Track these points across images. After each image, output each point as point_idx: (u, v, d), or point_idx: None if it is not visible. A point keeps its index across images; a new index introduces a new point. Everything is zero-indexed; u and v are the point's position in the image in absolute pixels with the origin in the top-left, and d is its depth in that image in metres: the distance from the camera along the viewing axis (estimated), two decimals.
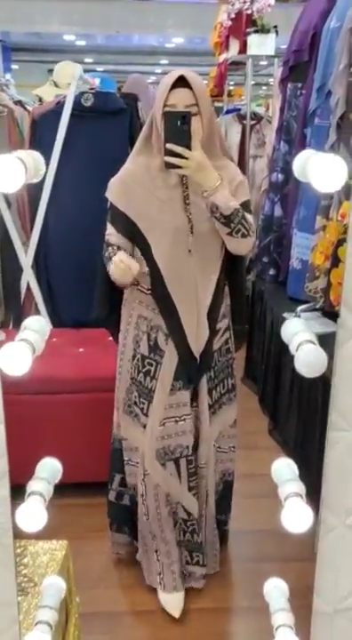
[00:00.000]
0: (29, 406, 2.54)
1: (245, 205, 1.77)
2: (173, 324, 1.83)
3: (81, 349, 2.80)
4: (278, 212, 3.65)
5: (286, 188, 3.55)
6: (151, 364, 1.87)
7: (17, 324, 3.09)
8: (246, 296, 2.18)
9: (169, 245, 1.77)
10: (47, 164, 2.90)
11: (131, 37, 10.12)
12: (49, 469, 1.06)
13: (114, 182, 1.82)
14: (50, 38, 10.03)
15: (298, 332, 0.93)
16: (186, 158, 1.60)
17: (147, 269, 1.82)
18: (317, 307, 3.00)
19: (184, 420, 1.87)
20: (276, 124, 3.66)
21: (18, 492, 1.03)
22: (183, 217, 1.76)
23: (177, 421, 1.87)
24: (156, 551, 1.99)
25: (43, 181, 2.91)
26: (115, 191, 1.82)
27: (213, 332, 1.89)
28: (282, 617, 1.03)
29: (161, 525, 1.95)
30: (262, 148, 4.36)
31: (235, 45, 4.45)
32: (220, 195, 1.66)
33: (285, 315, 3.11)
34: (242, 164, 4.30)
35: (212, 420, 1.95)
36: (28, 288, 3.06)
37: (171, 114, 1.63)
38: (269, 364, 3.36)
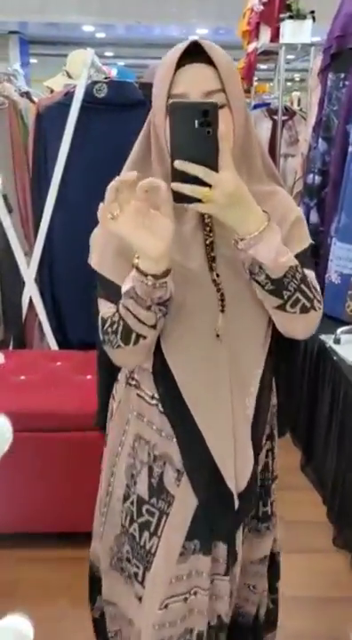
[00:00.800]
0: (27, 445, 2.20)
1: (304, 257, 1.12)
2: (196, 454, 1.17)
3: (88, 376, 2.45)
4: (314, 218, 3.35)
5: (324, 192, 3.25)
6: (152, 514, 1.23)
7: (18, 344, 2.79)
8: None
9: (186, 330, 1.12)
10: (53, 163, 2.57)
11: (152, 29, 9.82)
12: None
13: (94, 239, 1.16)
14: (68, 30, 9.77)
15: None
16: (209, 185, 0.93)
17: (149, 364, 1.18)
18: None
19: (195, 593, 1.24)
20: (312, 119, 3.34)
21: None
22: (208, 283, 1.11)
23: (186, 599, 1.24)
24: None
25: (48, 184, 2.60)
26: (97, 252, 1.15)
27: (257, 456, 1.23)
28: None
29: None
30: (295, 146, 4.08)
31: (266, 33, 4.15)
32: (265, 245, 1.00)
33: (323, 337, 2.77)
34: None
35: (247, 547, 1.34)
36: (31, 303, 2.77)
37: (181, 107, 0.95)
38: (303, 389, 3.02)
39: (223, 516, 1.19)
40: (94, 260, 1.15)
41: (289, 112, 4.19)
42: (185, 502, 1.19)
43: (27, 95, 3.10)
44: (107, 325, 1.10)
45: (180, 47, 1.01)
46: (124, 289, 1.05)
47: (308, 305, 1.08)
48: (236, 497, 1.17)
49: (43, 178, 2.67)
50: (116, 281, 1.09)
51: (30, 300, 2.76)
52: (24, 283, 2.74)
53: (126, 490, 1.26)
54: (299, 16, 3.76)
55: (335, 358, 2.57)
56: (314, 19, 3.78)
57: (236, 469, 1.16)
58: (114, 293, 1.09)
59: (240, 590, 1.38)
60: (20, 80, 3.28)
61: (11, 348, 2.79)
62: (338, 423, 2.53)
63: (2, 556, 2.16)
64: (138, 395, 1.21)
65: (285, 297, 1.05)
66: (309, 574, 2.20)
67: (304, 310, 1.08)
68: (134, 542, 1.26)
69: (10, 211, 2.64)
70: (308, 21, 3.75)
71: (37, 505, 2.24)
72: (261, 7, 4.06)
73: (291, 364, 1.33)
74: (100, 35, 10.30)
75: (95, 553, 1.40)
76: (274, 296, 1.06)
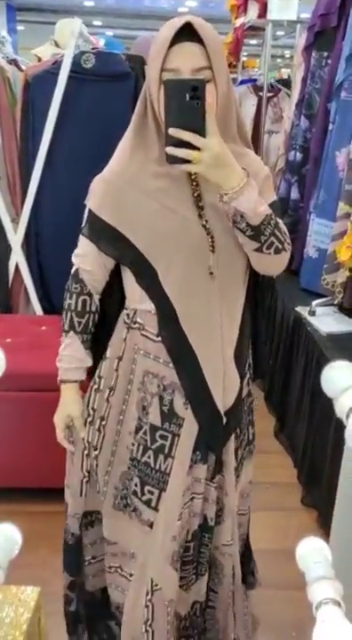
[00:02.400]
0: (14, 404, 2.30)
1: (274, 208, 1.26)
2: (194, 379, 1.32)
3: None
4: (295, 194, 3.40)
5: (305, 169, 3.30)
6: (165, 438, 1.36)
7: (3, 309, 2.84)
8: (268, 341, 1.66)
9: (183, 269, 1.26)
10: (41, 132, 2.61)
11: (142, 0, 9.70)
12: (2, 545, 0.80)
13: (96, 184, 1.30)
14: None
15: (349, 387, 0.66)
16: (197, 148, 1.09)
17: (152, 307, 1.31)
18: (335, 302, 2.76)
19: (193, 499, 1.40)
20: (296, 96, 3.38)
21: None
22: (199, 228, 1.25)
23: (189, 506, 1.40)
24: None
25: (36, 151, 2.64)
26: (98, 195, 1.29)
27: (242, 377, 1.40)
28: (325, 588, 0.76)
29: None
30: (279, 123, 4.09)
31: (254, 8, 4.13)
32: (245, 198, 1.15)
33: (299, 309, 2.86)
34: (256, 141, 4.01)
35: (237, 483, 1.49)
36: (17, 269, 2.80)
37: (174, 83, 1.10)
38: (278, 360, 3.11)
39: (215, 429, 1.35)
40: (94, 204, 1.30)
41: (274, 89, 4.19)
42: (192, 423, 1.34)
43: (14, 63, 3.11)
44: (74, 286, 1.36)
45: (175, 26, 1.13)
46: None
47: (280, 247, 1.24)
48: (222, 413, 1.35)
49: (30, 145, 2.68)
50: (114, 225, 1.27)
51: (17, 267, 2.79)
52: (11, 249, 2.77)
53: (138, 422, 1.37)
54: None
55: (309, 329, 2.65)
56: None
57: (224, 389, 1.34)
58: (100, 236, 1.30)
59: (244, 516, 1.60)
60: (7, 47, 3.27)
61: None
62: (310, 391, 2.63)
63: None
64: (142, 335, 1.34)
65: (262, 240, 1.22)
66: (280, 530, 2.33)
67: (277, 251, 1.25)
68: (149, 469, 1.37)
69: None
70: None
71: (21, 461, 2.34)
72: None
73: (259, 306, 1.50)
74: (89, 3, 10.13)
75: (74, 510, 1.50)
76: (253, 240, 1.22)
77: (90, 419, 1.43)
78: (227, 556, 1.51)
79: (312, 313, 2.75)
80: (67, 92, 2.56)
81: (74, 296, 1.36)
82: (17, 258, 2.75)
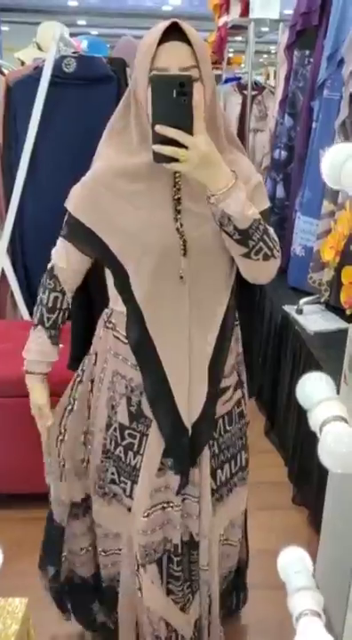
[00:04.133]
0: (4, 410, 2.29)
1: (265, 215, 1.25)
2: (155, 382, 1.32)
3: (61, 345, 2.53)
4: (280, 192, 3.41)
5: (289, 167, 3.31)
6: (134, 437, 1.39)
7: None
8: (258, 349, 1.63)
9: (150, 271, 1.25)
10: (24, 136, 2.60)
11: None
12: None
13: (75, 187, 1.32)
14: None
15: (322, 400, 0.66)
16: (185, 147, 1.07)
17: (124, 308, 1.33)
18: (322, 300, 2.77)
19: (172, 507, 1.40)
20: (279, 95, 3.38)
21: None
22: (172, 231, 1.24)
23: (164, 508, 1.41)
24: None
25: (19, 156, 2.63)
26: (77, 198, 1.31)
27: (216, 391, 1.38)
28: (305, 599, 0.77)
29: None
30: (264, 121, 4.10)
31: (236, 7, 4.13)
32: (233, 200, 1.13)
33: (286, 308, 2.87)
34: (241, 139, 4.00)
35: (218, 508, 1.46)
36: (3, 275, 2.79)
37: (161, 79, 1.09)
38: (267, 358, 3.12)
39: (179, 439, 1.34)
40: (72, 206, 1.32)
41: (259, 87, 4.20)
42: (159, 429, 1.35)
43: None
44: (48, 282, 1.38)
45: (162, 26, 1.13)
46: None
47: (269, 253, 1.22)
48: (188, 425, 1.33)
49: (13, 151, 2.67)
50: (89, 225, 1.28)
51: (2, 272, 2.78)
52: None
53: (108, 419, 1.41)
54: None
55: (297, 328, 2.66)
56: None
57: (189, 399, 1.32)
58: (77, 236, 1.32)
59: (234, 548, 1.59)
60: None
61: None
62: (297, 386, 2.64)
63: None
64: (114, 336, 1.36)
65: (250, 246, 1.19)
66: (270, 529, 2.34)
67: (266, 258, 1.22)
68: (121, 462, 1.41)
69: None
70: None
71: (11, 467, 2.33)
72: None
73: (251, 312, 1.49)
74: (73, 3, 10.10)
75: (57, 496, 1.54)
76: (240, 245, 1.19)
77: (69, 407, 1.47)
78: (203, 583, 1.50)
79: (299, 311, 2.76)
80: (48, 97, 2.55)
81: (47, 291, 1.39)
82: (2, 263, 2.74)
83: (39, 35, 3.40)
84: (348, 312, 2.06)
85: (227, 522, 1.52)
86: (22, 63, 3.45)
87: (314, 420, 0.66)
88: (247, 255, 1.21)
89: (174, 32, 1.13)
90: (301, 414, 2.57)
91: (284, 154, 3.31)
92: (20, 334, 2.71)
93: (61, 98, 2.59)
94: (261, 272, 1.28)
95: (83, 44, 3.40)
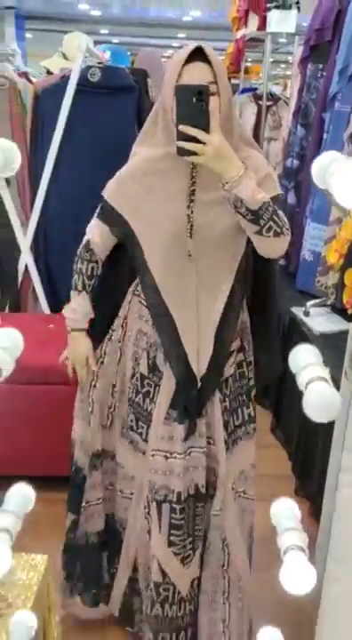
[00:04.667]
0: (22, 397, 2.43)
1: (276, 201, 1.45)
2: (171, 341, 1.56)
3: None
4: (292, 199, 3.52)
5: (301, 175, 3.42)
6: (150, 386, 1.63)
7: (14, 308, 2.99)
8: (277, 327, 1.79)
9: (164, 249, 1.52)
10: (49, 141, 2.76)
11: (147, 9, 9.81)
12: (18, 500, 0.94)
13: (112, 180, 1.60)
14: (64, 7, 9.73)
15: (308, 364, 0.80)
16: (203, 143, 1.31)
17: (145, 278, 1.60)
18: (328, 303, 2.89)
19: (175, 457, 1.58)
20: (293, 106, 3.50)
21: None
22: (183, 217, 1.50)
23: (166, 457, 1.59)
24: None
25: (44, 160, 2.78)
26: (111, 187, 1.60)
27: (224, 353, 1.60)
28: (292, 537, 0.89)
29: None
30: (278, 130, 4.22)
31: (254, 21, 4.26)
32: (244, 186, 1.35)
33: (294, 309, 2.99)
34: None
35: (228, 457, 1.63)
36: (26, 270, 2.94)
37: (184, 88, 1.34)
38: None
39: (190, 388, 1.56)
40: (107, 194, 1.60)
41: (274, 98, 4.33)
42: (170, 378, 1.59)
43: (25, 75, 3.26)
44: (85, 254, 1.66)
45: (188, 50, 1.38)
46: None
47: (278, 230, 1.42)
48: (198, 377, 1.56)
49: (39, 154, 2.81)
50: (118, 209, 1.57)
51: (26, 268, 2.92)
52: (20, 251, 2.91)
53: (133, 370, 1.67)
54: (285, 6, 3.91)
55: (304, 329, 2.77)
56: (298, 9, 3.92)
57: (199, 357, 1.56)
58: (109, 217, 1.60)
59: (251, 501, 1.72)
60: (17, 60, 3.43)
61: (7, 311, 2.97)
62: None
63: None
64: (139, 301, 1.64)
65: (261, 224, 1.40)
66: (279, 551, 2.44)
67: (276, 235, 1.42)
68: (139, 408, 1.66)
69: (8, 184, 2.81)
70: (293, 11, 3.90)
71: (32, 449, 2.47)
72: None
73: (265, 292, 1.70)
74: (96, 13, 10.28)
75: (80, 439, 1.78)
76: (253, 224, 1.41)
77: (101, 359, 1.74)
78: (214, 528, 1.64)
79: (306, 313, 2.88)
80: (74, 105, 2.70)
81: (85, 262, 1.67)
82: (26, 260, 2.89)
83: (65, 44, 3.54)
84: (349, 312, 2.18)
85: (237, 472, 1.66)
86: (48, 71, 3.60)
87: (300, 381, 0.79)
88: (259, 232, 1.42)
89: (198, 54, 1.38)
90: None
91: (295, 162, 3.42)
92: (42, 327, 2.89)
93: (86, 105, 2.74)
94: (273, 247, 1.49)
95: (106, 55, 3.55)
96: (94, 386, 1.74)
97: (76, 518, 1.79)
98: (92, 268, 1.67)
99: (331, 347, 2.67)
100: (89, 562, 1.82)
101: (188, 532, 1.61)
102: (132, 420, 1.69)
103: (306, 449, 2.67)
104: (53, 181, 2.82)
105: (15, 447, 2.45)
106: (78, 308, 1.70)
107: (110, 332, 1.73)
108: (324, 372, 0.79)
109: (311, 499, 2.58)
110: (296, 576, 0.82)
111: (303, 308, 2.90)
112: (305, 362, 0.81)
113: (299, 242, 3.30)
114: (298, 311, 2.92)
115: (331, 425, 0.96)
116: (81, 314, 1.70)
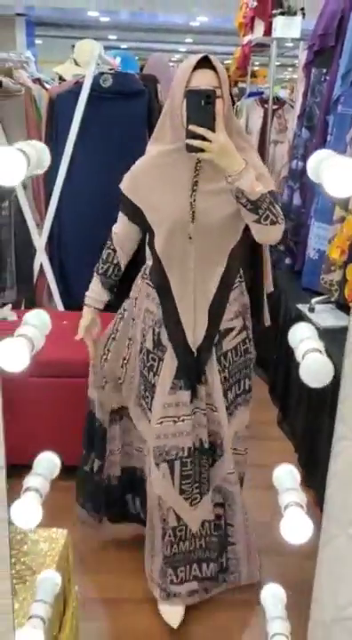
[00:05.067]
0: (37, 389, 2.54)
1: (272, 195, 1.65)
2: (170, 315, 1.79)
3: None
4: (297, 200, 3.60)
5: (305, 177, 3.45)
6: (154, 360, 1.85)
7: (29, 305, 3.10)
8: (265, 296, 2.03)
9: (169, 232, 1.72)
10: (63, 144, 2.87)
11: (155, 15, 9.92)
12: (46, 464, 1.04)
13: (126, 175, 1.82)
14: (73, 14, 9.87)
15: (304, 338, 0.90)
16: (209, 141, 1.50)
17: (152, 261, 1.82)
18: (332, 299, 2.98)
19: (183, 420, 1.81)
20: (298, 109, 3.59)
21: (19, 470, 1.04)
22: (186, 204, 1.69)
23: (175, 422, 1.81)
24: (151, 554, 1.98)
25: (59, 163, 2.90)
26: (126, 181, 1.81)
27: (217, 327, 1.82)
28: (278, 625, 1.02)
29: (152, 527, 1.93)
30: (284, 133, 4.30)
31: (260, 27, 4.34)
32: (245, 179, 1.55)
33: (299, 306, 3.08)
34: (262, 150, 4.24)
35: (229, 421, 1.88)
36: (41, 269, 3.04)
37: (194, 92, 1.52)
38: (281, 355, 3.33)
39: (188, 358, 1.81)
40: (123, 187, 1.80)
41: (279, 101, 4.42)
42: (173, 352, 1.81)
43: (39, 81, 3.39)
44: (107, 246, 1.89)
45: (196, 57, 1.57)
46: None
47: (274, 219, 1.62)
48: (194, 348, 1.79)
49: (53, 158, 2.94)
50: (133, 200, 1.78)
51: (41, 267, 3.04)
52: (35, 251, 3.03)
53: (141, 345, 1.88)
54: (290, 12, 3.97)
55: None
56: (303, 15, 4.00)
57: (194, 330, 1.79)
58: (127, 207, 1.81)
59: (242, 456, 1.99)
60: (31, 67, 3.55)
61: (22, 308, 3.09)
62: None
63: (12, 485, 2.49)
64: (146, 283, 1.86)
65: (260, 213, 1.60)
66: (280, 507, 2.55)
67: (273, 223, 1.62)
68: (146, 380, 1.88)
69: (24, 187, 2.92)
70: (298, 17, 3.95)
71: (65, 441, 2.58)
72: (255, 3, 4.26)
73: (257, 271, 1.94)
74: (105, 19, 10.41)
75: (97, 399, 2.02)
76: (252, 213, 1.60)
77: (113, 335, 1.97)
78: (233, 484, 1.90)
79: (311, 309, 2.97)
80: (87, 109, 2.82)
81: (105, 248, 1.89)
82: (41, 259, 3.00)
83: (76, 51, 3.66)
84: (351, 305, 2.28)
85: (233, 433, 1.90)
86: (60, 77, 3.72)
87: (298, 352, 0.90)
88: (258, 221, 1.62)
89: (205, 61, 1.57)
90: (311, 401, 2.80)
91: (300, 164, 3.50)
92: (56, 323, 2.97)
93: (98, 109, 2.86)
94: (270, 234, 1.68)
95: (117, 61, 3.67)
96: (105, 359, 1.97)
97: (101, 464, 2.04)
98: (108, 255, 1.89)
99: (335, 340, 2.76)
100: (110, 496, 2.11)
101: (195, 479, 1.84)
102: (141, 390, 1.91)
103: (312, 440, 2.76)
104: (67, 183, 2.93)
105: (34, 437, 2.55)
106: (93, 288, 1.92)
107: (122, 311, 1.96)
108: (319, 345, 0.89)
109: (316, 488, 2.67)
110: (295, 527, 0.93)
111: (308, 305, 2.99)
112: (302, 336, 0.92)
113: (304, 241, 3.39)
114: (303, 307, 3.01)
115: (333, 414, 1.05)
116: (92, 292, 1.92)
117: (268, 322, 2.03)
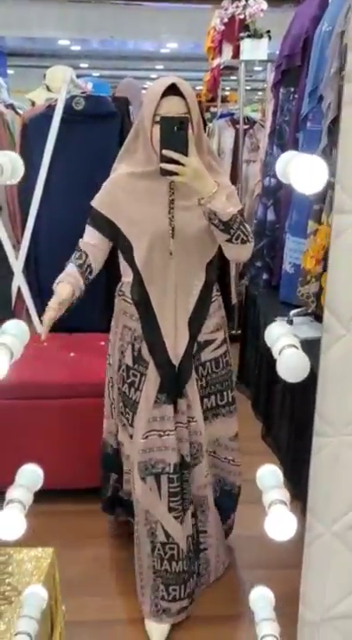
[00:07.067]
0: (19, 411, 2.52)
1: (241, 214, 1.73)
2: (151, 330, 1.80)
3: (72, 354, 2.78)
4: (271, 216, 3.64)
5: (279, 193, 3.54)
6: (135, 375, 1.85)
7: None
8: (233, 304, 2.16)
9: (149, 247, 1.75)
10: (38, 167, 2.89)
11: (125, 43, 10.10)
12: (29, 476, 1.04)
13: (100, 190, 1.84)
14: (45, 43, 10.00)
15: (280, 335, 0.92)
16: (182, 164, 1.56)
17: (130, 278, 1.82)
18: (309, 311, 3.01)
19: (168, 434, 1.83)
20: (268, 128, 3.66)
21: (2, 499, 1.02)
22: (165, 220, 1.74)
23: (161, 436, 1.83)
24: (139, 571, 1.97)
25: (34, 185, 2.92)
26: (99, 197, 1.83)
27: (195, 339, 1.85)
28: (267, 627, 1.01)
29: (139, 544, 1.92)
30: (256, 152, 4.37)
31: (228, 50, 4.45)
32: (217, 201, 1.62)
33: (278, 319, 3.10)
34: (235, 169, 4.31)
35: (207, 427, 1.92)
36: (19, 292, 3.03)
37: (167, 119, 1.57)
38: (262, 369, 3.34)
39: (170, 372, 1.82)
40: (96, 202, 1.82)
41: (250, 121, 4.50)
42: (154, 366, 1.81)
43: (11, 107, 3.42)
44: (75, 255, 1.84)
45: (165, 83, 1.60)
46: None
47: (245, 239, 1.71)
48: (176, 362, 1.77)
49: (28, 180, 2.94)
50: (107, 215, 1.79)
51: (18, 289, 3.03)
52: (13, 273, 3.03)
53: (119, 362, 1.89)
54: (256, 35, 4.09)
55: None
56: (269, 37, 4.11)
57: (175, 343, 1.77)
58: (98, 222, 1.81)
59: (223, 465, 2.03)
60: (3, 93, 3.59)
61: None
62: (290, 393, 2.87)
63: None
64: (123, 299, 1.87)
65: (231, 233, 1.69)
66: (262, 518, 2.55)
67: (243, 242, 1.72)
68: (126, 397, 1.88)
69: (0, 209, 2.93)
70: (265, 40, 4.07)
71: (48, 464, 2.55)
72: (222, 27, 4.36)
73: (224, 282, 1.97)
74: (76, 47, 10.57)
75: (107, 428, 2.10)
76: (224, 233, 1.69)
77: (108, 361, 2.00)
78: (207, 488, 1.93)
79: (290, 322, 2.99)
80: (60, 132, 2.85)
81: (72, 257, 1.83)
82: (19, 281, 3.00)
83: (48, 77, 3.68)
84: None
85: (214, 438, 1.95)
86: (32, 103, 3.75)
87: (275, 349, 0.91)
88: (230, 240, 1.70)
89: (172, 88, 1.60)
90: (293, 415, 2.81)
91: (273, 181, 3.55)
92: (35, 346, 2.97)
93: (71, 132, 2.89)
94: (240, 253, 1.78)
95: (89, 85, 3.72)
96: (112, 386, 1.98)
97: (119, 477, 2.14)
98: (80, 256, 1.82)
99: (312, 350, 2.79)
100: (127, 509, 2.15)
101: (182, 496, 1.85)
102: (121, 407, 1.92)
103: (296, 453, 2.76)
104: (43, 205, 2.94)
105: (44, 461, 2.52)
106: (62, 273, 1.81)
107: (110, 337, 1.98)
108: (294, 341, 0.91)
109: (302, 499, 2.66)
110: (279, 524, 0.93)
111: (286, 317, 3.02)
112: (278, 334, 0.93)
113: (280, 256, 3.43)
114: (281, 320, 3.04)
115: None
116: (63, 274, 1.81)
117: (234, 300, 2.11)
